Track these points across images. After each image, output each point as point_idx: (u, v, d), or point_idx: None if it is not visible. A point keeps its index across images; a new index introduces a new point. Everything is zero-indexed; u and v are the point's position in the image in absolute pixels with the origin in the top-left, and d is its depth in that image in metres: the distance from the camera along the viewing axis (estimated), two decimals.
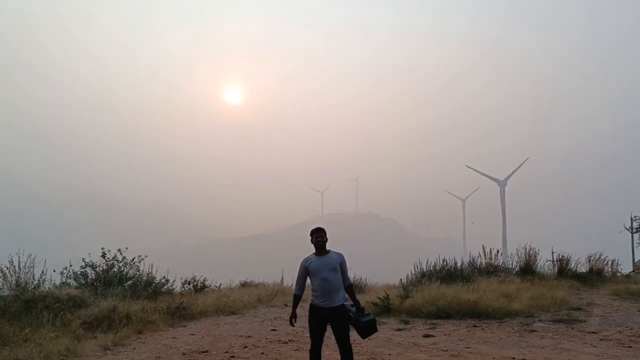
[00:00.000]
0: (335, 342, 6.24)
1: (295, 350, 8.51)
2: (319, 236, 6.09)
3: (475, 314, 12.05)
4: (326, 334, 6.21)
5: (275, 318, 13.52)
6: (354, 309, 6.22)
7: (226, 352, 8.49)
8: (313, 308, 6.13)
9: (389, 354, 8.07)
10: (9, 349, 8.09)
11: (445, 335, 9.93)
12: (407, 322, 11.74)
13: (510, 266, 20.70)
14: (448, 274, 17.50)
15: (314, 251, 6.15)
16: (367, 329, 6.34)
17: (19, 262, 13.53)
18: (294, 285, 6.39)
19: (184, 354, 8.35)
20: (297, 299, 6.34)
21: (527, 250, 20.93)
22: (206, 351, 8.56)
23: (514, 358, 7.67)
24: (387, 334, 10.29)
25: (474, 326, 10.93)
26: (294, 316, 6.35)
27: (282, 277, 24.16)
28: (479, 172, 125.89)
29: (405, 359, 7.70)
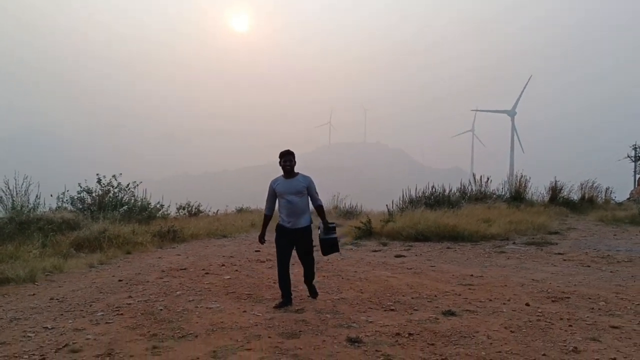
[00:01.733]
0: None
1: (269, 268, 8.91)
2: (287, 160, 6.17)
3: (452, 237, 12.43)
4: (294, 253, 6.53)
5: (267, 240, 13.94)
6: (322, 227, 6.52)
7: (203, 269, 8.93)
8: (279, 228, 6.36)
9: (355, 271, 8.46)
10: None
11: (416, 255, 10.34)
12: (385, 245, 12.17)
13: (502, 193, 21.03)
14: (436, 200, 17.87)
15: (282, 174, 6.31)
16: (329, 246, 6.57)
17: (15, 185, 13.99)
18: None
19: (163, 271, 8.78)
20: (266, 218, 6.59)
21: (518, 178, 21.20)
22: (185, 268, 9.00)
23: (472, 275, 8.02)
24: (361, 254, 10.73)
25: (448, 248, 11.33)
26: (263, 235, 6.61)
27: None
28: (487, 111, 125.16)
29: (369, 275, 8.08)
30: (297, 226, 6.25)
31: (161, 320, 5.55)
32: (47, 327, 5.28)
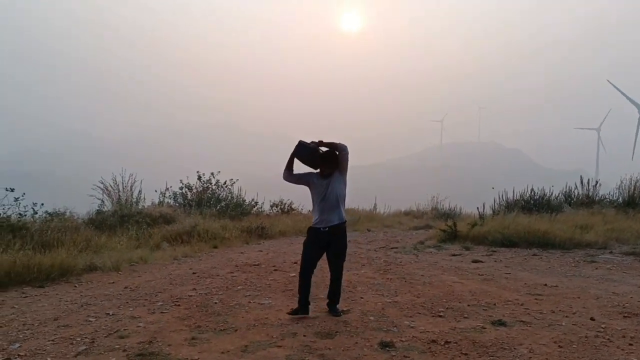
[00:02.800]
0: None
1: (348, 270, 8.91)
2: (326, 167, 5.69)
3: (542, 243, 11.74)
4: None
5: (349, 241, 14.00)
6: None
7: (273, 266, 9.17)
8: (312, 231, 5.87)
9: (422, 275, 8.28)
10: (91, 254, 9.37)
11: (495, 261, 9.90)
12: (467, 249, 11.77)
13: (614, 198, 19.48)
14: (535, 204, 16.95)
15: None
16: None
17: (122, 181, 15.22)
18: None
19: (236, 266, 9.14)
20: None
21: (633, 182, 19.52)
22: (257, 264, 9.30)
23: (545, 285, 7.55)
24: (438, 258, 10.46)
25: (534, 255, 10.72)
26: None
27: (375, 203, 24.68)
28: (620, 90, 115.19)
29: (434, 280, 7.88)
30: (330, 224, 5.71)
31: (211, 313, 5.81)
32: (108, 314, 5.74)
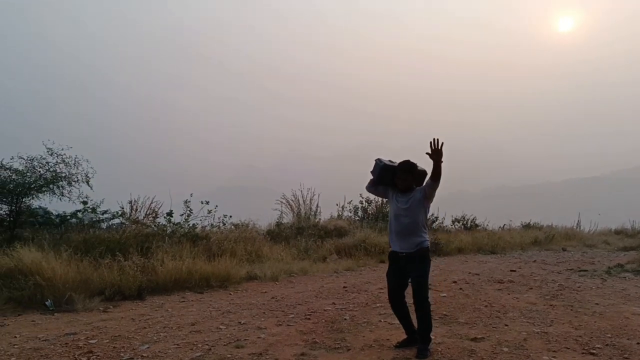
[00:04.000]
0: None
1: (498, 290, 8.17)
2: (402, 179, 4.92)
3: None
4: None
5: (534, 261, 12.84)
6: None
7: (430, 284, 8.67)
8: (389, 255, 5.22)
9: (596, 304, 7.11)
10: (257, 264, 9.91)
11: None
12: None
13: None
14: None
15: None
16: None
17: (302, 195, 15.95)
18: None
19: None
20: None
21: None
22: None
23: None
24: (629, 285, 8.95)
25: None
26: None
27: (579, 220, 22.23)
28: None
29: (609, 310, 6.70)
30: (404, 250, 4.88)
31: (336, 329, 5.66)
32: (240, 322, 5.93)
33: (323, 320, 6.03)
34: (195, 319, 6.11)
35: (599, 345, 5.06)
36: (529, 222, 21.91)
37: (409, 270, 4.88)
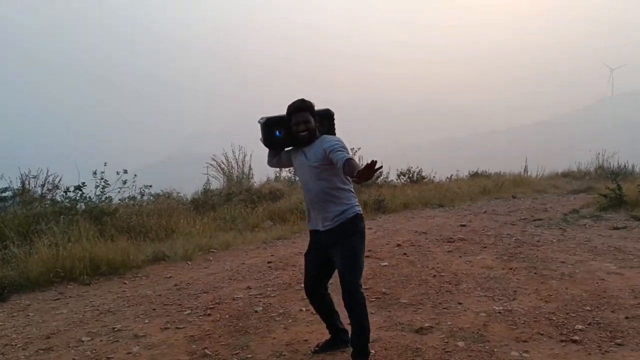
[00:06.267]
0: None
1: (448, 252, 6.97)
2: (299, 122, 3.44)
3: None
4: None
5: (485, 212, 11.80)
6: None
7: (370, 249, 7.38)
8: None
9: (562, 262, 6.00)
10: (171, 241, 8.40)
11: None
12: (638, 219, 8.97)
13: None
14: None
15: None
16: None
17: (234, 156, 14.35)
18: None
19: None
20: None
21: None
22: None
23: None
24: (592, 234, 7.94)
25: None
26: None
27: (526, 165, 21.55)
28: None
29: (579, 270, 5.60)
30: (325, 226, 3.45)
31: (240, 329, 4.28)
32: (114, 329, 4.46)
33: (227, 316, 4.63)
34: (57, 328, 4.58)
35: (579, 326, 3.86)
36: (477, 171, 21.05)
37: (332, 251, 3.46)
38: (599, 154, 21.43)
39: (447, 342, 3.68)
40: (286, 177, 15.87)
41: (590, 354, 3.37)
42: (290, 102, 3.50)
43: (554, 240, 7.47)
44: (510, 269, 5.82)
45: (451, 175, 20.43)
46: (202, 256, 7.69)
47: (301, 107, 3.44)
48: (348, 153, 3.32)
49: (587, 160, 21.94)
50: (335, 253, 3.41)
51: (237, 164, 14.40)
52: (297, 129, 3.42)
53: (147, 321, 4.62)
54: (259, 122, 3.58)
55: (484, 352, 3.48)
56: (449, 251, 7.06)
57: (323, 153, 3.35)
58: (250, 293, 5.37)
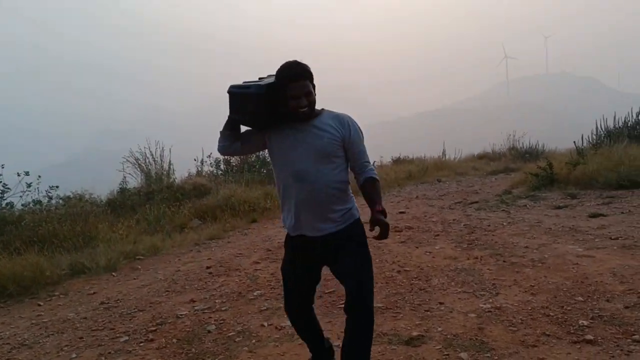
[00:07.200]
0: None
1: (417, 247, 6.43)
2: (298, 89, 2.53)
3: None
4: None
5: (417, 197, 11.54)
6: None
7: None
8: (286, 240, 2.87)
9: (526, 247, 5.70)
10: (90, 249, 7.39)
11: (622, 213, 7.13)
12: (573, 197, 8.99)
13: None
14: None
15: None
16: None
17: (151, 152, 13.21)
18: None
19: (268, 249, 6.87)
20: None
21: None
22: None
23: None
24: (539, 214, 7.80)
25: None
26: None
27: (444, 149, 21.81)
28: None
29: (548, 254, 5.30)
30: (322, 231, 2.64)
31: (197, 356, 3.54)
32: None
33: (174, 340, 3.85)
34: None
35: (584, 322, 3.46)
36: (399, 157, 21.06)
37: (334, 262, 2.69)
38: (510, 135, 22.13)
39: (447, 355, 3.16)
40: (208, 171, 14.98)
41: (613, 356, 2.96)
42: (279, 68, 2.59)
43: (504, 224, 7.23)
44: (476, 258, 5.43)
45: (374, 162, 20.29)
46: (128, 265, 6.78)
47: (301, 74, 2.55)
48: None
49: (500, 142, 22.63)
50: (342, 261, 2.63)
51: (155, 160, 13.30)
52: (298, 104, 2.53)
53: (74, 355, 3.76)
54: (229, 92, 2.66)
55: None
56: (402, 242, 6.60)
57: (340, 136, 2.61)
58: (196, 308, 4.60)
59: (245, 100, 2.61)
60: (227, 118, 2.73)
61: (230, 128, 2.75)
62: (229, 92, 2.67)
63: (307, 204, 2.60)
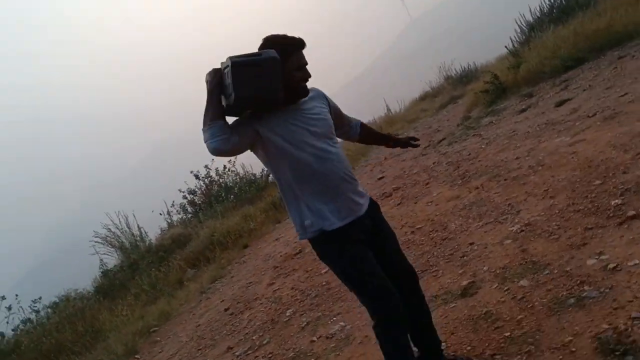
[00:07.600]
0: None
1: (415, 204, 6.29)
2: (305, 68, 2.33)
3: (613, 42, 8.92)
4: None
5: (385, 158, 11.43)
6: None
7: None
8: (328, 235, 2.30)
9: (516, 158, 5.64)
10: (102, 343, 7.02)
11: (584, 90, 7.18)
12: (530, 95, 9.04)
13: None
14: (563, 12, 13.87)
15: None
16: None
17: (115, 225, 12.72)
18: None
19: (275, 267, 6.65)
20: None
21: None
22: (300, 252, 6.81)
23: None
24: (508, 124, 7.79)
25: (620, 58, 7.96)
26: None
27: (387, 105, 21.81)
28: None
29: (541, 153, 5.25)
30: (361, 207, 2.39)
31: None
32: None
33: None
34: None
35: (616, 201, 3.38)
36: None
37: (377, 230, 2.46)
38: (440, 66, 22.32)
39: (508, 289, 3.03)
40: (178, 220, 14.59)
41: None
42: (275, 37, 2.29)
43: (483, 146, 7.18)
44: (477, 188, 5.34)
45: None
46: (146, 342, 6.46)
47: (305, 44, 2.29)
48: None
49: (434, 78, 22.82)
50: (383, 231, 2.52)
51: (122, 231, 12.84)
52: (303, 76, 2.28)
53: None
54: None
55: (562, 275, 2.88)
56: (398, 204, 6.48)
57: (328, 110, 2.43)
58: (236, 354, 4.36)
59: (260, 71, 2.10)
60: (211, 106, 2.20)
61: (232, 114, 2.27)
62: (233, 63, 2.09)
63: (343, 182, 2.32)
